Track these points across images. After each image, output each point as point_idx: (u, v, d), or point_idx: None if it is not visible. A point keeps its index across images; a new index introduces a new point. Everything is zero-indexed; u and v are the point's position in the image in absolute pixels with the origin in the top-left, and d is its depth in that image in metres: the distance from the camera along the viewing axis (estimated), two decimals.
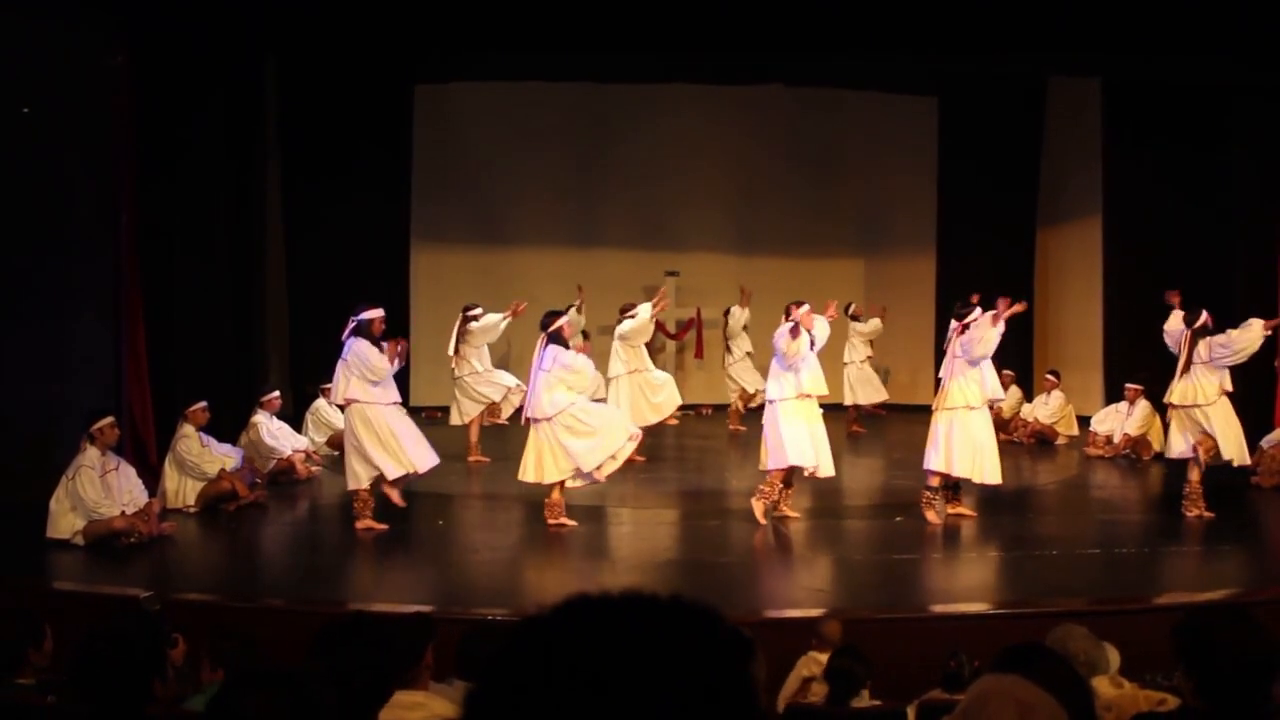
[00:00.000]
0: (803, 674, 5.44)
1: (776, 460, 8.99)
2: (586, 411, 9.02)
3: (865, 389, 14.73)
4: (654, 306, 12.12)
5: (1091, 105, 14.49)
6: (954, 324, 9.31)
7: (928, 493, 9.22)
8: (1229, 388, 9.33)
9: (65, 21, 9.52)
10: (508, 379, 12.25)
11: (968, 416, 9.01)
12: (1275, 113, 11.54)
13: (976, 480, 9.09)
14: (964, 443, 8.98)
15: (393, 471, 8.90)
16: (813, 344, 9.06)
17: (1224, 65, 11.53)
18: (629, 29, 11.41)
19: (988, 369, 9.38)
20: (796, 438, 8.89)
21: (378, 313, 9.00)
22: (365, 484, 8.95)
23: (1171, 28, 10.86)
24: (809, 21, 11.23)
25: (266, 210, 13.80)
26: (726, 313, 15.02)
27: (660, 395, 12.29)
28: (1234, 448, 9.35)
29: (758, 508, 9.04)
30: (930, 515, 9.15)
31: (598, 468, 8.95)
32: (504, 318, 11.98)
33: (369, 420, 8.89)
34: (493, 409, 12.39)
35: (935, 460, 9.08)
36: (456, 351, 12.06)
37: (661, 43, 11.89)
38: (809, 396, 8.98)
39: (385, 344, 8.94)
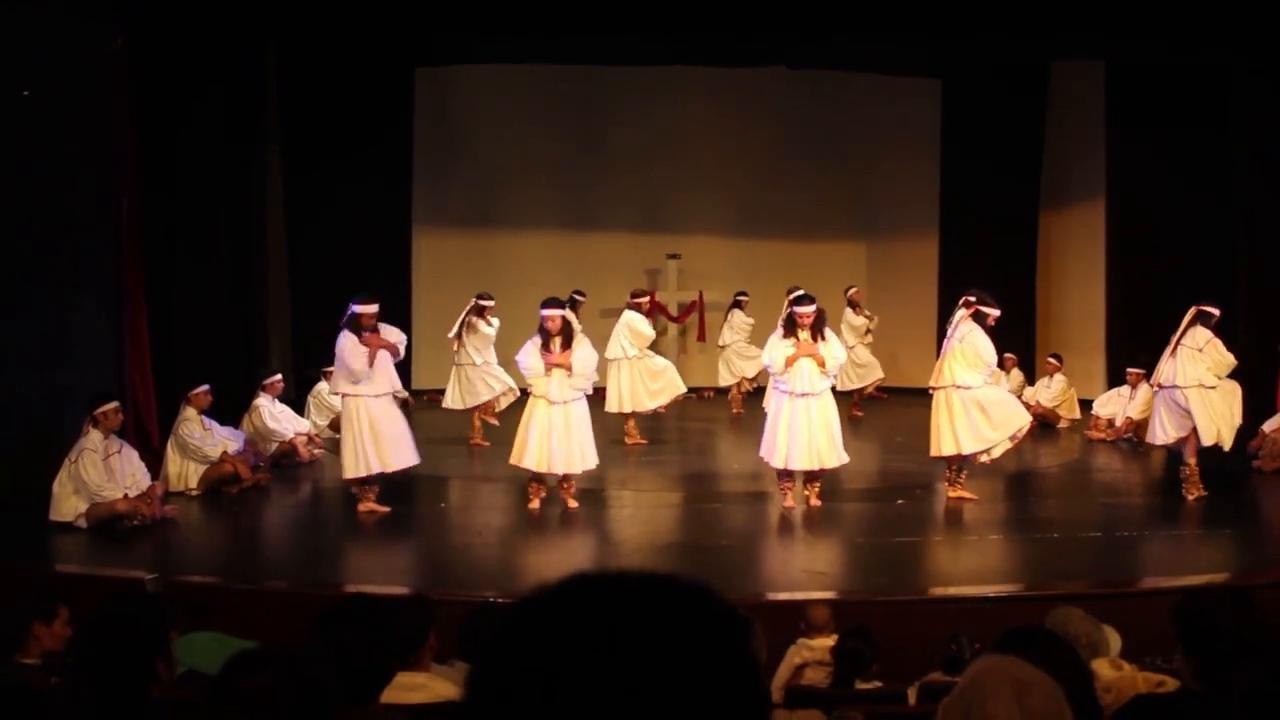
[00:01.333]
0: (794, 661, 5.42)
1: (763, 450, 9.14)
2: (533, 411, 8.98)
3: (863, 372, 14.68)
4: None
5: (1095, 89, 14.43)
6: (966, 309, 9.24)
7: (948, 472, 9.34)
8: (1210, 384, 9.23)
9: (63, 3, 9.48)
10: (502, 379, 12.05)
11: (963, 394, 9.07)
12: (1278, 96, 11.48)
13: (981, 446, 9.14)
14: (963, 418, 9.04)
15: (350, 471, 8.88)
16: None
17: (1227, 47, 11.49)
18: (630, 11, 11.38)
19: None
20: (773, 432, 8.98)
21: (370, 308, 8.86)
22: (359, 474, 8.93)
23: (1175, 9, 10.83)
24: (811, 3, 11.19)
25: (267, 194, 13.76)
26: (739, 298, 14.90)
27: (658, 383, 12.26)
28: (1213, 434, 9.17)
29: (798, 495, 9.10)
30: (951, 492, 9.32)
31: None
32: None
33: (353, 414, 8.87)
34: (486, 407, 12.15)
35: (934, 446, 9.22)
36: (459, 336, 12.02)
37: (663, 25, 11.83)
38: (803, 395, 8.94)
39: (368, 334, 8.80)
